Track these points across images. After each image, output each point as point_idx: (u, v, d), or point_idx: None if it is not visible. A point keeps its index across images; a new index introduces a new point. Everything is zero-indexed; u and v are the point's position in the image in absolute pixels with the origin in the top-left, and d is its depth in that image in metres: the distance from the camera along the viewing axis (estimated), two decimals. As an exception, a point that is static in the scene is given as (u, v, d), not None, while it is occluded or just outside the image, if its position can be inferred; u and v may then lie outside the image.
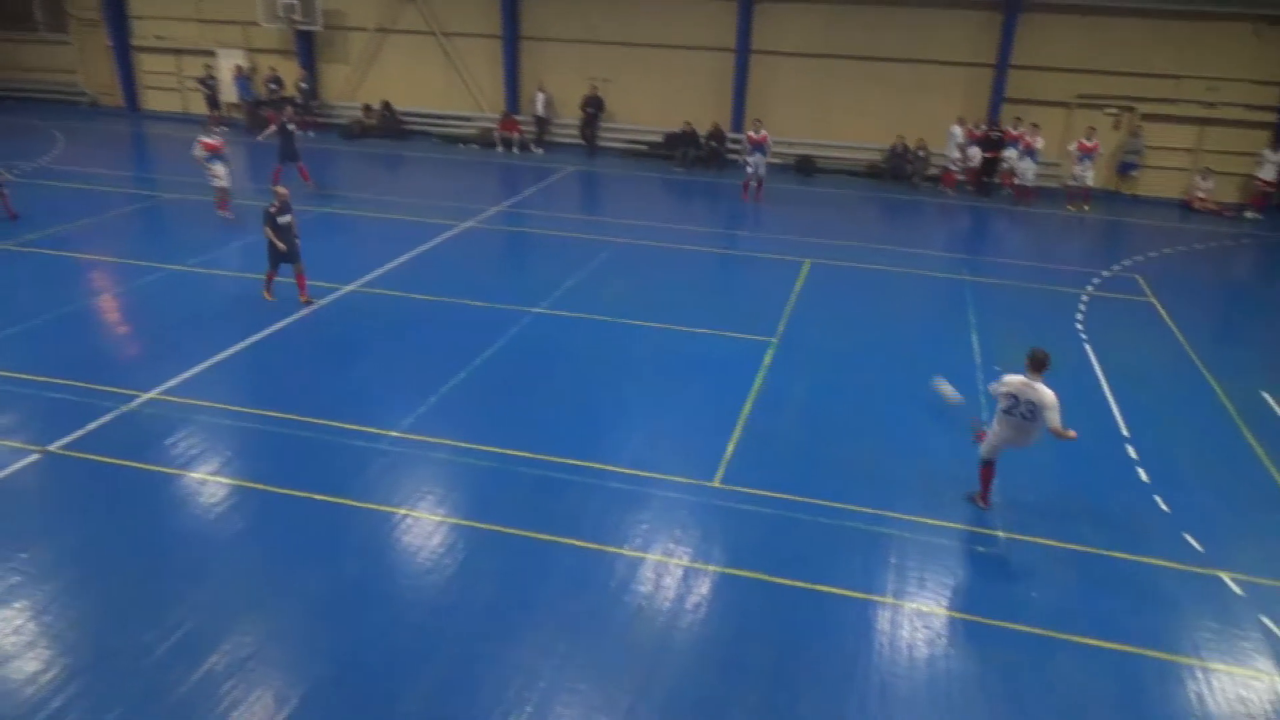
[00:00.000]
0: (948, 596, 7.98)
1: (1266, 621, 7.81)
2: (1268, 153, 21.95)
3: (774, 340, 13.20)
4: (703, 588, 7.90)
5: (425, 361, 12.05)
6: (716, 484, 9.48)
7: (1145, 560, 8.57)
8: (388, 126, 27.51)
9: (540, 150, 26.55)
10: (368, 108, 27.80)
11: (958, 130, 22.96)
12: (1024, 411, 8.55)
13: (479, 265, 16.64)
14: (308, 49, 28.01)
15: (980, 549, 8.63)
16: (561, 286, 15.02)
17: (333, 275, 14.87)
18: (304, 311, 13.51)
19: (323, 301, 13.92)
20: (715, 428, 10.59)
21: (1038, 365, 8.56)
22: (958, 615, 7.74)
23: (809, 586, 7.96)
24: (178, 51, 29.13)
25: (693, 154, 25.09)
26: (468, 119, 27.48)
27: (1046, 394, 8.42)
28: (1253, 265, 19.61)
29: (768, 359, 12.55)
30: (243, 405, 10.69)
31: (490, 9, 26.22)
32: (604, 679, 6.87)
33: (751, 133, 21.40)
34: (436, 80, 27.63)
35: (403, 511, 8.77)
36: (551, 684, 6.77)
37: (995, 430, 8.88)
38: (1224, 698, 6.99)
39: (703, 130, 25.07)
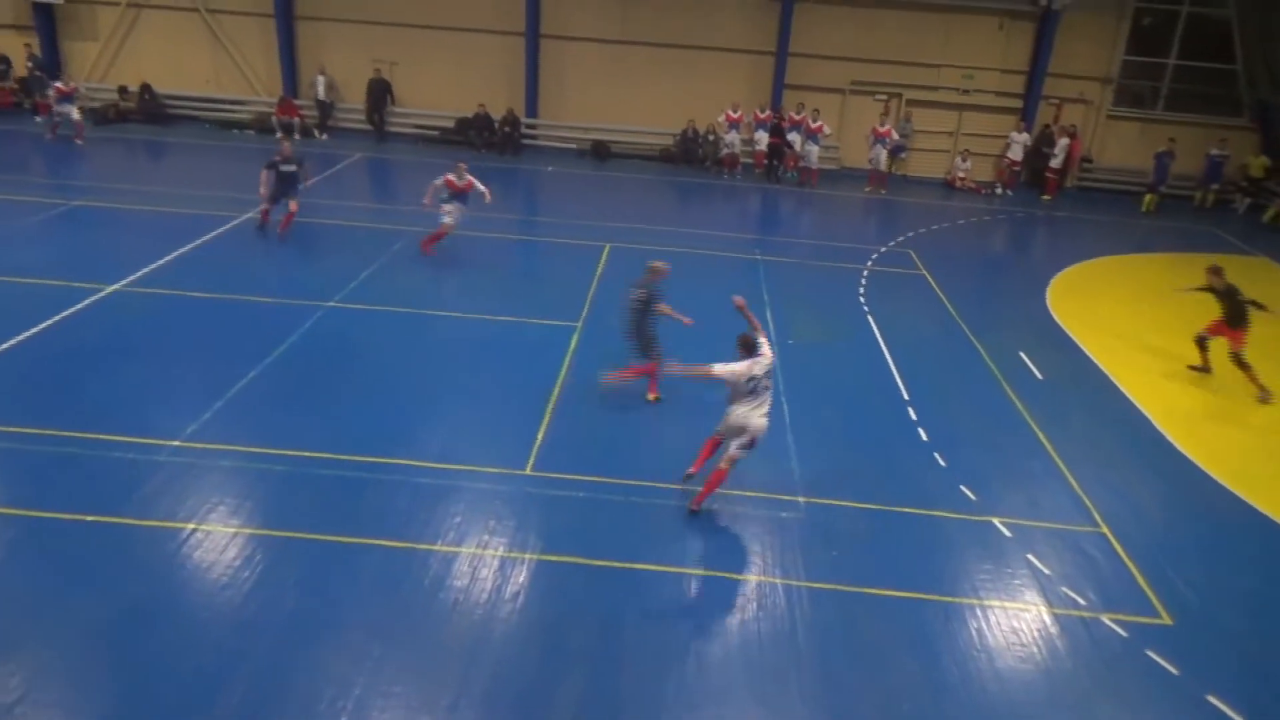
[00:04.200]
0: (754, 562, 8.30)
1: (1032, 559, 8.66)
2: (1015, 135, 24.26)
3: (579, 325, 13.23)
4: (519, 576, 7.82)
5: (208, 364, 11.18)
6: (529, 471, 9.40)
7: (929, 513, 9.27)
8: (149, 111, 25.28)
9: (324, 136, 25.28)
10: (124, 90, 25.43)
11: (722, 117, 23.99)
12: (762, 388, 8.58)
13: (264, 259, 15.60)
14: (48, 24, 25.22)
15: (783, 515, 9.03)
16: (356, 278, 14.38)
17: (92, 274, 13.52)
18: (65, 314, 12.19)
19: (84, 304, 12.63)
20: (524, 415, 10.50)
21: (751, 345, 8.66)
22: (765, 579, 8.07)
23: (624, 565, 8.06)
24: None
25: (487, 138, 24.69)
26: (241, 103, 25.72)
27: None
28: (1006, 237, 21.63)
29: (573, 343, 12.57)
30: (-9, 423, 9.52)
31: (261, -15, 24.63)
32: (422, 679, 6.66)
33: (452, 177, 15.44)
34: (203, 61, 25.66)
35: (190, 526, 8.11)
36: (366, 690, 6.48)
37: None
38: (999, 631, 7.70)
39: (497, 115, 24.72)
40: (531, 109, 25.29)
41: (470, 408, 10.67)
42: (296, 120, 24.96)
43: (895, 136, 23.67)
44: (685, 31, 24.51)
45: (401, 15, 24.86)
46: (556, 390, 11.17)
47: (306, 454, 9.34)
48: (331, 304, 13.29)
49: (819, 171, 23.88)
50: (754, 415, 8.59)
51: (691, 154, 24.79)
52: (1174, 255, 19.65)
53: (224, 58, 25.60)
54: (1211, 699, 7.06)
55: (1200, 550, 9.10)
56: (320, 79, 25.04)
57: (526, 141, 25.23)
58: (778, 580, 8.07)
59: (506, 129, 24.65)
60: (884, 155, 23.53)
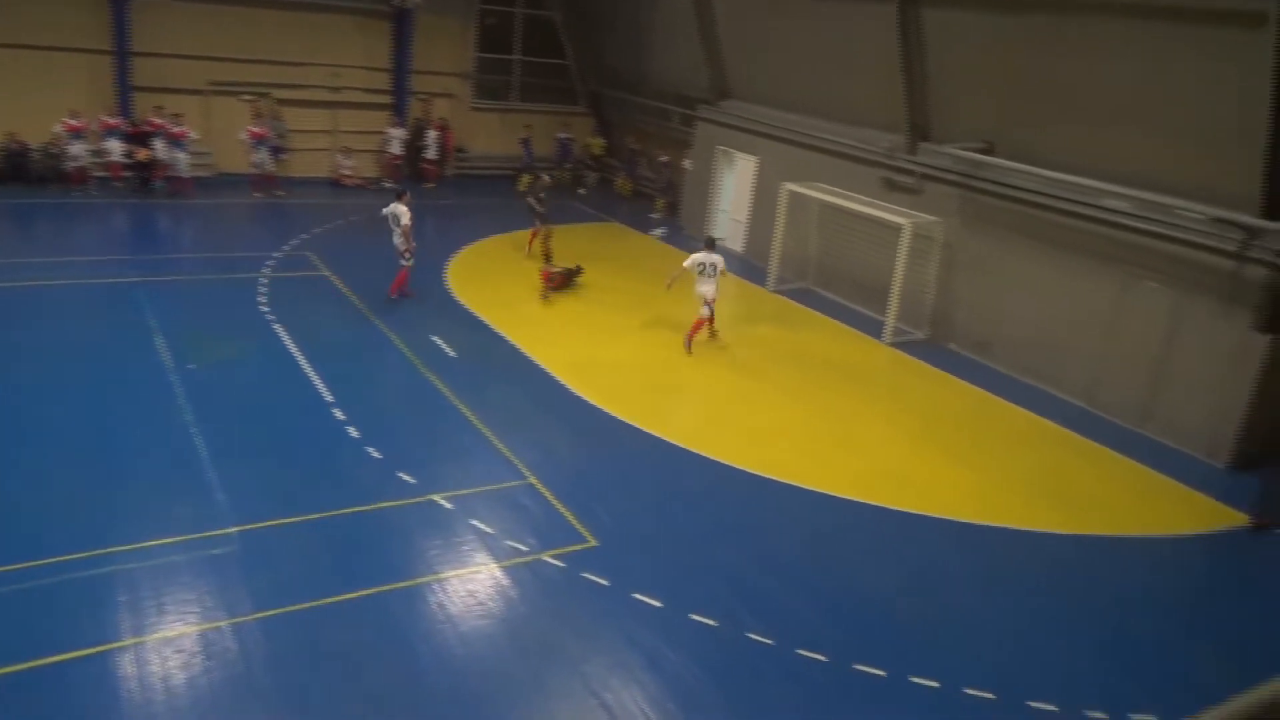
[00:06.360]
0: (195, 611, 7.44)
1: (475, 523, 9.13)
2: (391, 130, 24.97)
3: (-100, 393, 10.44)
4: None
5: None
6: None
7: (372, 507, 9.22)
8: None
9: None
10: None
11: (60, 127, 20.79)
12: (709, 271, 14.27)
13: None
14: None
15: (216, 551, 8.22)
16: None
17: None
18: None
19: None
20: None
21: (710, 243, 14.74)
22: (210, 626, 7.28)
23: (28, 666, 6.63)
24: None
25: None
26: None
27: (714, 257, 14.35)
28: (401, 229, 22.21)
29: (-104, 418, 9.89)
30: None
31: None
32: None
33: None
34: None
35: None
36: None
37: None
38: (459, 598, 8.00)
39: None
40: None
41: None
42: None
43: (272, 137, 22.76)
44: (-5, 29, 20.48)
45: None
46: (-120, 481, 8.70)
47: None
48: None
49: (192, 179, 21.96)
50: (704, 284, 14.29)
51: (23, 171, 20.95)
52: (550, 227, 22.09)
53: None
54: (637, 595, 8.20)
55: (608, 476, 10.49)
56: None
57: None
58: (223, 623, 7.33)
59: None
60: (267, 157, 22.51)
